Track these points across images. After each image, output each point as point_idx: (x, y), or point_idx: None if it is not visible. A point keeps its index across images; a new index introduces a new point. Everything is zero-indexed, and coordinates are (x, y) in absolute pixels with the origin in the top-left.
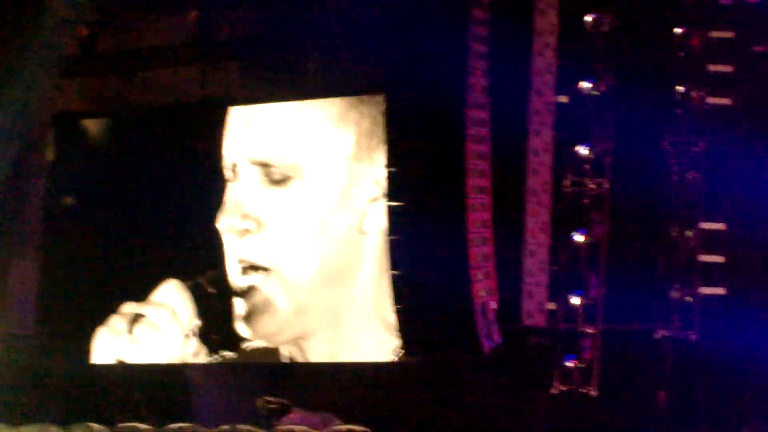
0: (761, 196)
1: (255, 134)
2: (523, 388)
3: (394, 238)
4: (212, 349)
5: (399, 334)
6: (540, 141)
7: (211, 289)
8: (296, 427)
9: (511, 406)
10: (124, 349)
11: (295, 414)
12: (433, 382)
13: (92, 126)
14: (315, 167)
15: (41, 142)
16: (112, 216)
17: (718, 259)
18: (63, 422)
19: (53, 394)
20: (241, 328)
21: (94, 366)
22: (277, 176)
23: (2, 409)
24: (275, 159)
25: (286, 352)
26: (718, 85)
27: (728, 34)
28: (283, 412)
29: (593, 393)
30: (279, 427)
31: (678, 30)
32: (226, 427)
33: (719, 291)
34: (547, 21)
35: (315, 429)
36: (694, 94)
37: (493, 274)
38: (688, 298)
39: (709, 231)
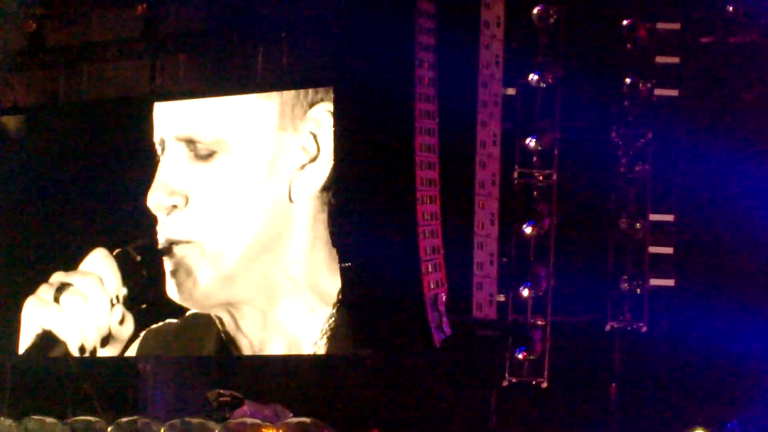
0: (709, 187)
1: (179, 111)
2: (474, 379)
3: (343, 230)
4: (143, 316)
5: (350, 326)
6: (488, 133)
7: (138, 257)
8: (248, 420)
9: (462, 397)
10: (51, 318)
11: (247, 407)
12: (384, 374)
13: (38, 119)
14: (240, 140)
15: None
16: (50, 197)
17: (667, 250)
18: (15, 416)
19: (5, 387)
20: (171, 294)
21: (46, 359)
22: (202, 152)
23: None
24: (200, 135)
25: (220, 319)
26: (666, 76)
27: (675, 26)
28: (235, 404)
29: (544, 384)
30: (231, 420)
31: (625, 22)
32: (177, 420)
33: (668, 282)
34: (493, 13)
35: (267, 421)
36: (641, 85)
37: (442, 267)
38: (638, 290)
39: (658, 222)
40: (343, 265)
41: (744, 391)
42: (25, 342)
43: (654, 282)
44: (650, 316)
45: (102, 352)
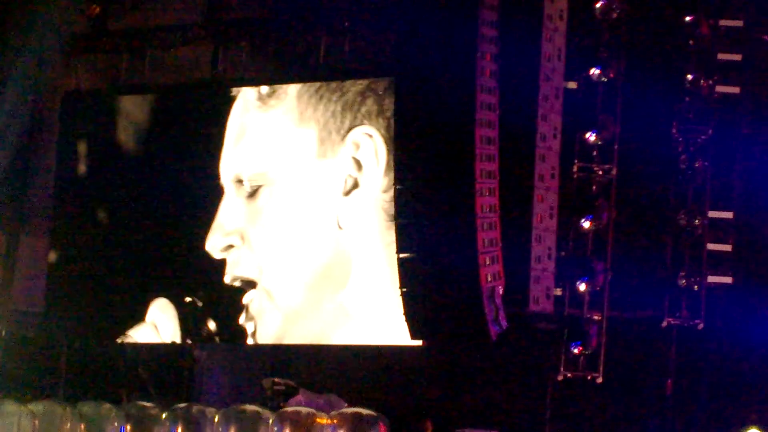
0: None
1: (226, 152)
2: (529, 373)
3: (402, 221)
4: None
5: (405, 317)
6: (548, 126)
7: (200, 303)
8: (302, 409)
9: (517, 391)
10: None
11: (302, 396)
12: (439, 366)
13: (103, 104)
14: (281, 171)
15: (51, 118)
16: (118, 198)
17: (726, 247)
18: (71, 399)
19: (62, 371)
20: (249, 341)
21: (103, 344)
22: (249, 188)
23: (11, 386)
24: (244, 171)
25: None
26: (727, 73)
27: (737, 23)
28: (289, 393)
29: (599, 379)
30: (285, 409)
31: (687, 18)
32: (232, 407)
33: (726, 280)
34: (556, 7)
35: (321, 411)
36: (702, 82)
37: (500, 259)
38: (695, 286)
39: (717, 219)
40: (400, 255)
41: None
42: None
43: (712, 279)
44: (707, 313)
45: None
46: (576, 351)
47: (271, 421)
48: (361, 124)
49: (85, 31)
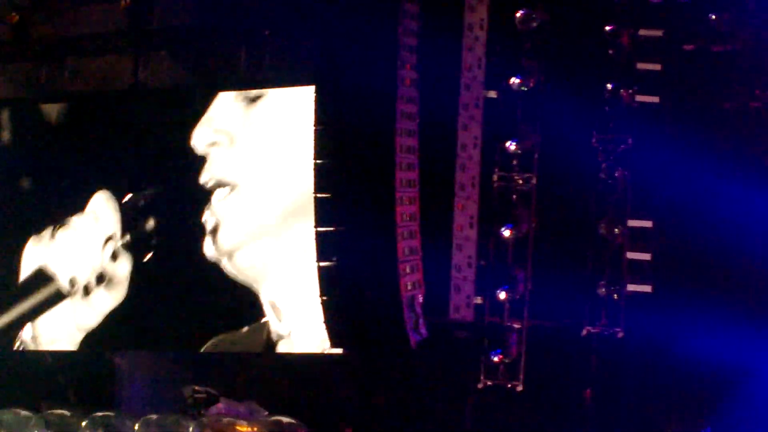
0: (688, 194)
1: None
2: (449, 381)
3: (321, 229)
4: (150, 266)
5: (325, 325)
6: (468, 136)
7: (141, 202)
8: (223, 417)
9: (437, 399)
10: (45, 254)
11: (222, 403)
12: (359, 374)
13: (22, 111)
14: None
15: None
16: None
17: (645, 256)
18: None
19: None
20: (206, 244)
21: (21, 352)
22: (251, 94)
23: None
24: None
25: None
26: (647, 83)
27: (657, 33)
28: (210, 401)
29: (519, 388)
30: (206, 417)
31: (608, 27)
32: (153, 415)
33: (646, 288)
34: (477, 16)
35: (242, 418)
36: (622, 91)
37: (420, 268)
38: (615, 295)
39: (637, 228)
40: (320, 264)
41: (718, 399)
42: (22, 281)
43: (631, 287)
44: (627, 321)
45: (98, 290)
46: (496, 359)
47: (191, 429)
48: None
49: (4, 39)
